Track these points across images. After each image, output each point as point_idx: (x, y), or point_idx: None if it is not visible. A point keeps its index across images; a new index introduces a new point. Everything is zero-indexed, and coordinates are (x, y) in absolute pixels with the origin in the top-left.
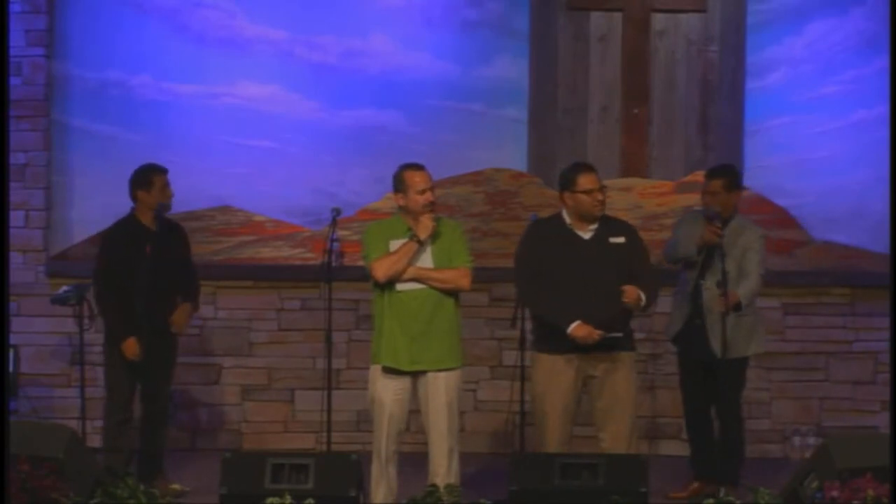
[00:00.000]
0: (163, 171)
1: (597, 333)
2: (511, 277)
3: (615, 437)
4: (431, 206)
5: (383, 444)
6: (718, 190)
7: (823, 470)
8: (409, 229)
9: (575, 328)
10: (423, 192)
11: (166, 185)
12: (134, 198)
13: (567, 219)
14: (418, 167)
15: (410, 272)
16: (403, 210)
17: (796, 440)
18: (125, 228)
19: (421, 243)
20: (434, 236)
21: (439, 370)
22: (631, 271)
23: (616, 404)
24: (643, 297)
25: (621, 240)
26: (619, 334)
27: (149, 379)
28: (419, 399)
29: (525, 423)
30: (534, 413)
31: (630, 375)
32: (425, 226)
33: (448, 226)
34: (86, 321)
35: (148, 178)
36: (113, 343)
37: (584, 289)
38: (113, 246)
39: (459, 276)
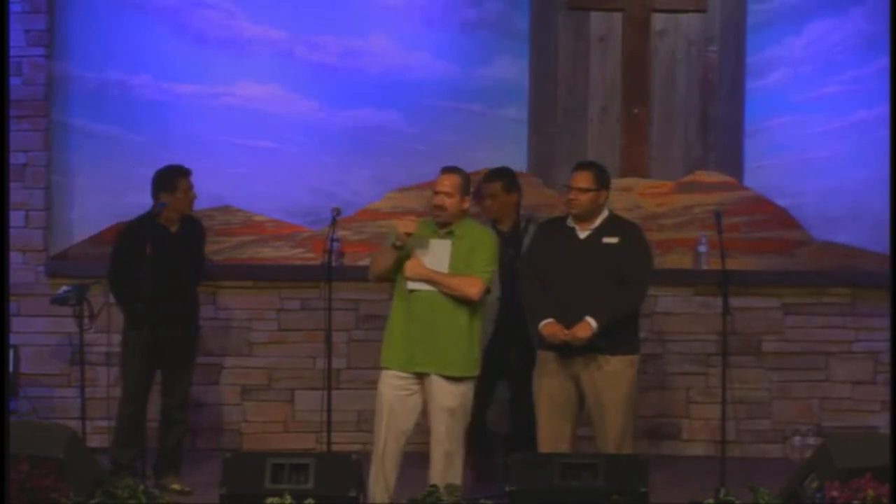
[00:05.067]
0: (187, 173)
1: (563, 333)
2: None
3: (603, 441)
4: (435, 209)
5: (381, 438)
6: (498, 192)
7: (823, 470)
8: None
9: (543, 326)
10: (437, 192)
11: (190, 187)
12: (155, 197)
13: (570, 217)
14: (446, 170)
15: (424, 274)
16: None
17: (796, 440)
18: (141, 226)
19: (398, 248)
20: (459, 237)
21: (445, 376)
22: (618, 273)
23: (600, 409)
24: (593, 324)
25: (614, 240)
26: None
27: (166, 375)
28: (425, 400)
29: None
30: None
31: (618, 381)
32: (402, 226)
33: (479, 232)
34: (86, 321)
35: (173, 180)
36: (128, 333)
37: (572, 287)
38: (125, 241)
39: (467, 284)
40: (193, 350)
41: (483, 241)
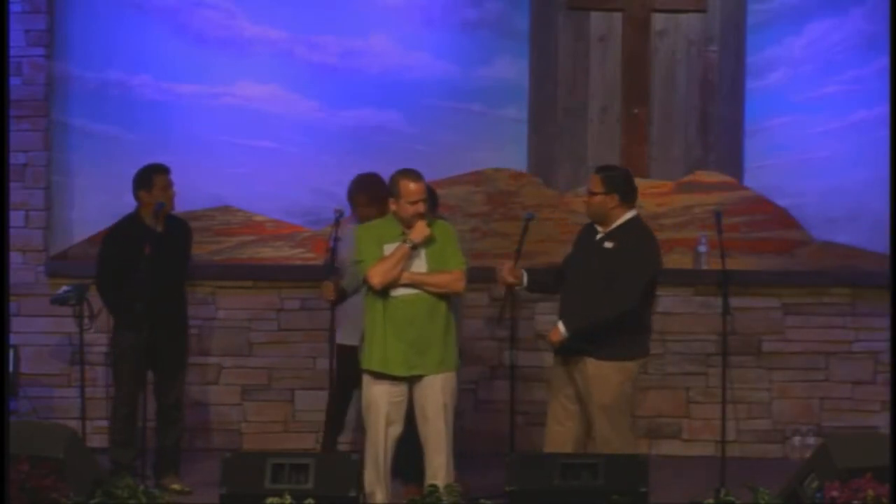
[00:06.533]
0: (164, 170)
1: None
2: None
3: (592, 443)
4: (420, 218)
5: (381, 448)
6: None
7: (823, 470)
8: (403, 233)
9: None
10: (414, 202)
11: (168, 184)
12: (136, 197)
13: None
14: (415, 178)
15: (406, 277)
16: (395, 214)
17: (796, 440)
18: (126, 227)
19: (415, 247)
20: (428, 240)
21: (436, 374)
22: (610, 277)
23: (590, 411)
24: (561, 329)
25: (611, 245)
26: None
27: (159, 375)
28: (414, 403)
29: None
30: None
31: (602, 385)
32: (419, 230)
33: (440, 228)
34: (86, 321)
35: (148, 177)
36: (118, 335)
37: (570, 289)
38: (112, 244)
39: (454, 280)
40: (187, 349)
41: (447, 232)
